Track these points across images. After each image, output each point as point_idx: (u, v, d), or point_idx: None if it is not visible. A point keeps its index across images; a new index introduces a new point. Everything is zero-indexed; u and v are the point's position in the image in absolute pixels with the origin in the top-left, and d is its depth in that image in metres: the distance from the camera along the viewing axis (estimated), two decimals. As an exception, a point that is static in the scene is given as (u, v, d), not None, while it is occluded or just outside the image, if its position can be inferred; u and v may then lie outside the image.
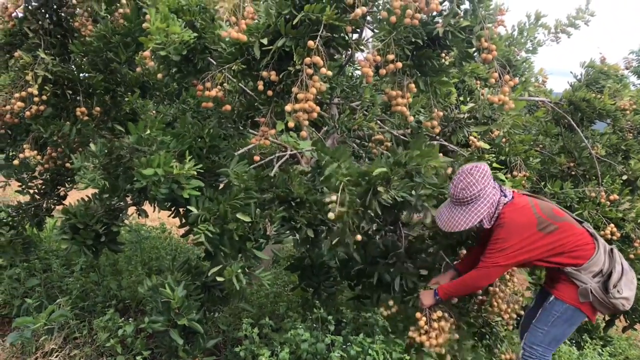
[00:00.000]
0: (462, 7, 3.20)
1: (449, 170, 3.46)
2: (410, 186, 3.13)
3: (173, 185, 2.95)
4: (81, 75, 4.30)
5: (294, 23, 2.91)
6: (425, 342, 3.25)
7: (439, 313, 3.29)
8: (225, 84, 3.23)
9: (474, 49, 3.22)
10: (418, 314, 3.32)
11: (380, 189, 3.02)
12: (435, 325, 3.27)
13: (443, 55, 3.86)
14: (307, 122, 2.87)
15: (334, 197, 2.93)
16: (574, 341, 5.01)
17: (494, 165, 4.20)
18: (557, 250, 3.01)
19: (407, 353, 3.66)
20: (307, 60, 2.86)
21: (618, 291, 3.00)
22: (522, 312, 3.73)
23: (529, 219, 2.99)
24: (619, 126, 5.39)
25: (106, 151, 3.57)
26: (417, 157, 3.12)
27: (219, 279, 3.12)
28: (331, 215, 2.90)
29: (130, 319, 4.31)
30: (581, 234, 3.09)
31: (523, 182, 4.23)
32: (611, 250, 3.14)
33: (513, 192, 3.18)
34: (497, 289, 3.69)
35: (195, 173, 3.01)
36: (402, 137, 4.38)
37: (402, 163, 3.13)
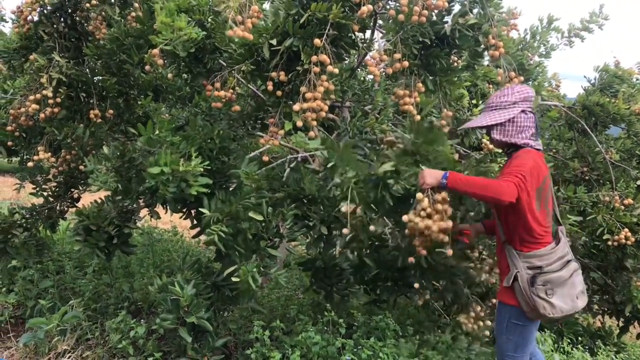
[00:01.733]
0: (474, 10, 3.20)
1: (456, 156, 3.38)
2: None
3: (182, 184, 2.96)
4: (95, 78, 4.36)
5: (301, 22, 2.93)
6: (431, 226, 2.83)
7: (444, 194, 2.87)
8: (237, 88, 3.25)
9: (482, 47, 3.21)
10: (419, 195, 2.86)
11: (390, 181, 2.95)
12: (439, 207, 2.86)
13: (455, 59, 3.85)
14: (315, 123, 2.88)
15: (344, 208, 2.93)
16: (587, 347, 4.93)
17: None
18: (525, 229, 2.90)
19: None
20: (314, 58, 2.87)
21: (546, 292, 2.81)
22: None
23: (544, 172, 2.89)
24: (634, 131, 5.32)
25: (118, 154, 3.60)
26: (423, 144, 3.00)
27: (234, 279, 3.09)
28: (344, 208, 2.89)
29: (142, 320, 4.32)
30: (546, 230, 2.95)
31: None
32: (568, 261, 2.94)
33: None
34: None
35: (202, 170, 3.02)
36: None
37: (409, 152, 3.04)
